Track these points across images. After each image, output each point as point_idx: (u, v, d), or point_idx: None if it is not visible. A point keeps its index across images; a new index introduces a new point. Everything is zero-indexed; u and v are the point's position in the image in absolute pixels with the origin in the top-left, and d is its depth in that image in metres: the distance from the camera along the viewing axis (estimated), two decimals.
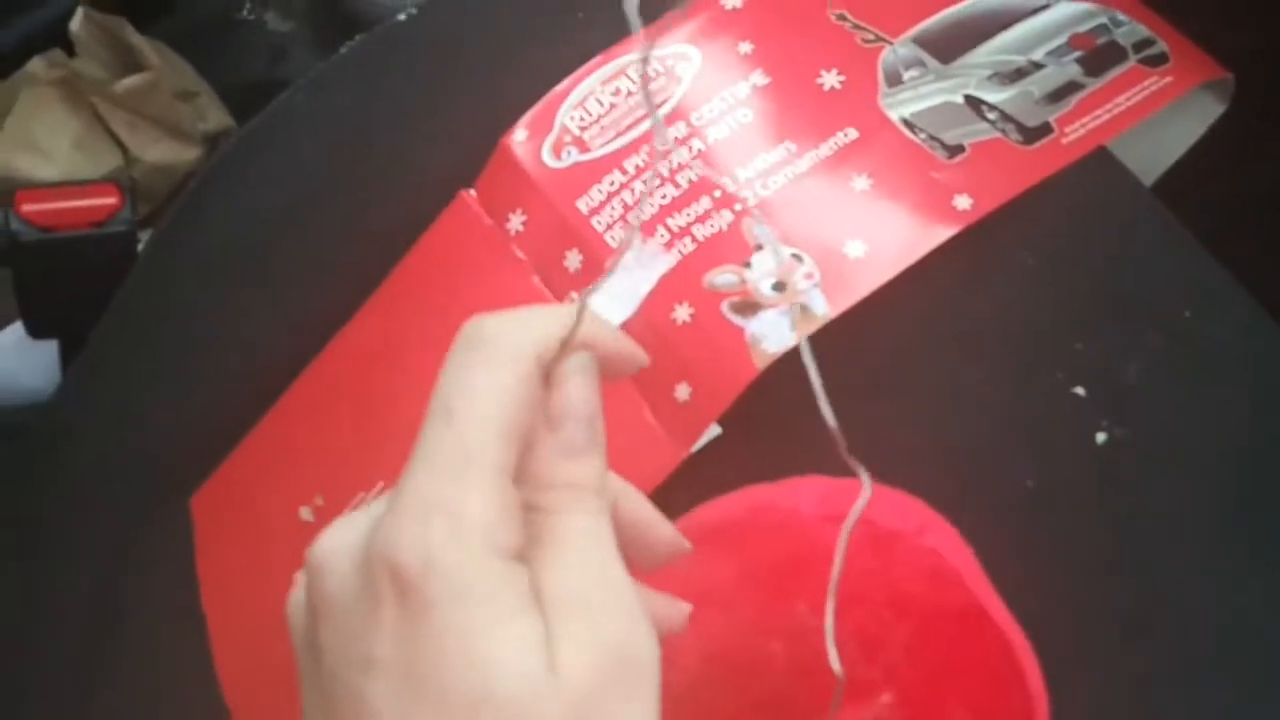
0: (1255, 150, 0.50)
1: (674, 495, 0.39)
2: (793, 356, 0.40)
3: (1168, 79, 0.44)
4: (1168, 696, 0.37)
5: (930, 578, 0.34)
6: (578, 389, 0.24)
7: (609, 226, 0.43)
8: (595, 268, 0.43)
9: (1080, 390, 0.40)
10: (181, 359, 0.49)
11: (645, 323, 0.41)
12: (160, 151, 0.77)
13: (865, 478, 0.27)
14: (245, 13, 0.86)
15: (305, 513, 0.46)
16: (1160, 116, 0.44)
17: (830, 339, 0.38)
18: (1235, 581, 0.37)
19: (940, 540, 0.36)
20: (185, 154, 0.79)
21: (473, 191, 0.46)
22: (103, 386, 0.51)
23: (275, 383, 0.47)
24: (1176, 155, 0.48)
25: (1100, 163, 0.43)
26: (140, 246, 0.58)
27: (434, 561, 0.21)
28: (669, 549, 0.28)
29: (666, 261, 0.42)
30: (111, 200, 0.54)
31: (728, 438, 0.41)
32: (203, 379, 0.48)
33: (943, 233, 0.41)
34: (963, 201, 0.41)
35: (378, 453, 0.44)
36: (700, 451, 0.41)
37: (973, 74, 0.44)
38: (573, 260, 0.43)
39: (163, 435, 0.48)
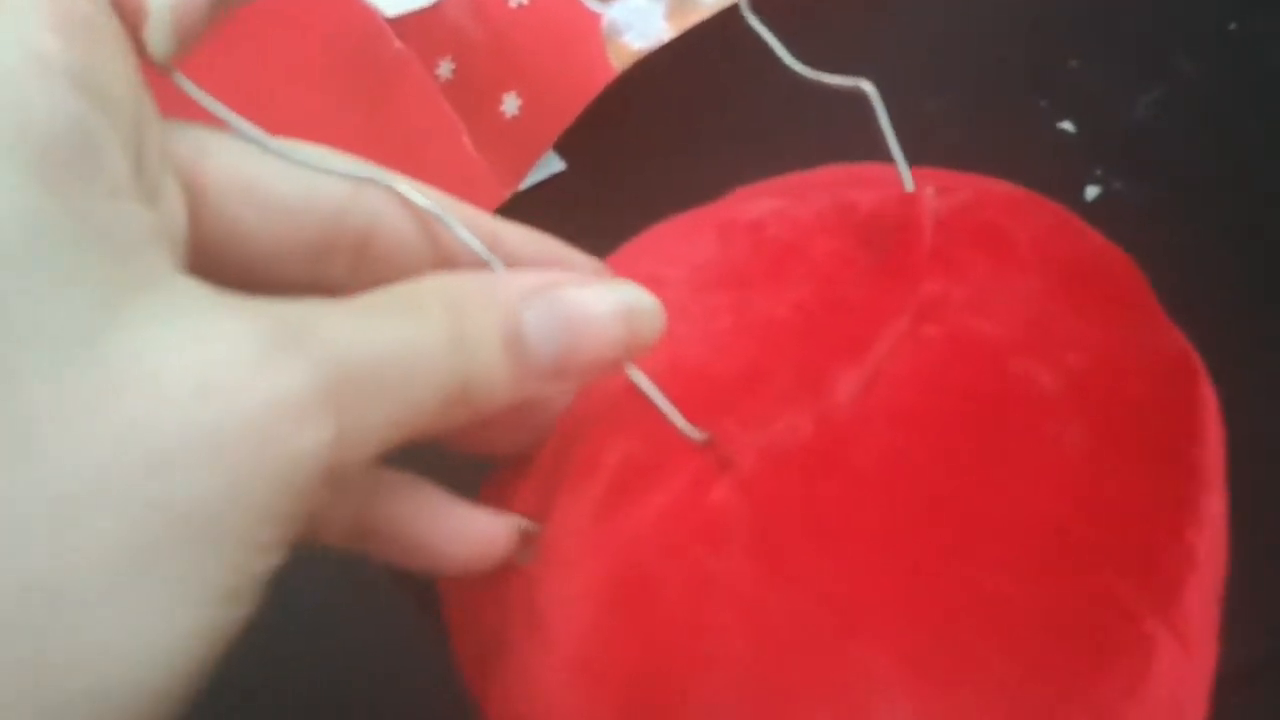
0: None
1: None
2: (668, 62, 0.28)
3: None
4: None
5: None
6: None
7: None
8: None
9: (1069, 125, 0.28)
10: None
11: (467, 5, 0.30)
12: None
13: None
14: None
15: None
16: None
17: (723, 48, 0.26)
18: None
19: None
20: None
21: None
22: None
23: None
24: None
25: None
26: None
27: None
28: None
29: None
30: None
31: (574, 174, 0.30)
32: None
33: None
34: None
35: None
36: (536, 191, 0.29)
37: None
38: None
39: None
